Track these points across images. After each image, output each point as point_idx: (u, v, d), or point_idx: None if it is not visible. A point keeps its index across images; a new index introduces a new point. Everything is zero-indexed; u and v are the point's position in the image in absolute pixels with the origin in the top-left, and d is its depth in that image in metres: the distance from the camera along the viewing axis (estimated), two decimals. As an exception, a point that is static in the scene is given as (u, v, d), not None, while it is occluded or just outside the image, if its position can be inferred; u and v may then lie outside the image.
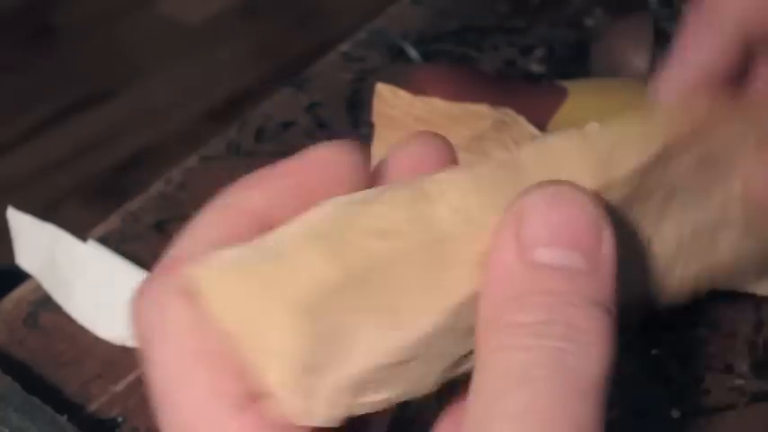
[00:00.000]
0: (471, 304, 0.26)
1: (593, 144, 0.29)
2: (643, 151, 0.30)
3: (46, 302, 0.52)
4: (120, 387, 0.49)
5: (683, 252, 0.33)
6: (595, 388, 0.24)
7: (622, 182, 0.29)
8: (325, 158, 0.28)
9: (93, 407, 0.48)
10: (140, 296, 0.27)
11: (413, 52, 0.66)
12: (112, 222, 0.56)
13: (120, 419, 0.47)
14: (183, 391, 0.26)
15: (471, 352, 0.27)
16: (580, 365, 0.24)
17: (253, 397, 0.26)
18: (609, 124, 0.30)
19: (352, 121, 0.61)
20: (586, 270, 0.24)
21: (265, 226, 0.27)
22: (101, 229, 0.56)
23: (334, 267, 0.25)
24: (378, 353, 0.25)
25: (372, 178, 0.29)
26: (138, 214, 0.57)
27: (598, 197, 0.25)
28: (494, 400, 0.24)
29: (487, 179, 0.27)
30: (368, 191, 0.27)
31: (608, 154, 0.29)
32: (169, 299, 0.26)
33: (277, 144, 0.60)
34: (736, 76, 0.40)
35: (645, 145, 0.31)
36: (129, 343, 0.50)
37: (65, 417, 0.45)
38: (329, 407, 0.25)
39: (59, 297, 0.52)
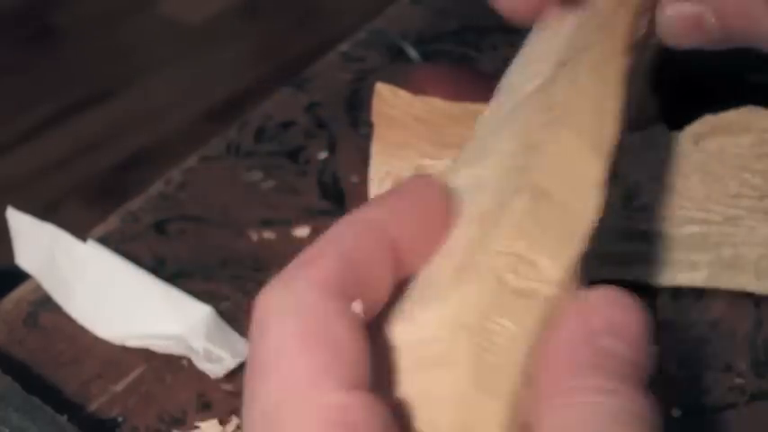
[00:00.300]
0: None
1: (586, 132, 0.34)
2: (617, 98, 0.36)
3: (46, 302, 0.52)
4: (120, 387, 0.49)
5: None
6: None
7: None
8: (429, 195, 0.32)
9: (93, 407, 0.48)
10: (269, 287, 0.28)
11: (413, 52, 0.66)
12: (112, 222, 0.56)
13: (120, 419, 0.47)
14: (292, 361, 0.27)
15: None
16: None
17: (359, 385, 0.27)
18: (573, 86, 0.35)
19: (352, 121, 0.62)
20: (642, 365, 0.29)
21: (388, 240, 0.30)
22: (101, 229, 0.56)
23: (503, 407, 0.28)
24: None
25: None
26: (138, 214, 0.57)
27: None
28: None
29: (531, 220, 0.31)
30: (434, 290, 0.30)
31: (599, 134, 0.34)
32: (300, 286, 0.28)
33: (277, 144, 0.60)
34: None
35: (615, 90, 0.36)
36: (129, 343, 0.50)
37: (65, 417, 0.45)
38: None
39: (59, 297, 0.52)
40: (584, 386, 0.28)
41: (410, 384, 0.28)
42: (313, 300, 0.28)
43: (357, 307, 0.28)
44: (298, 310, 0.27)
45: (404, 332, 0.29)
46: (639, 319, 0.30)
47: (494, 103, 0.38)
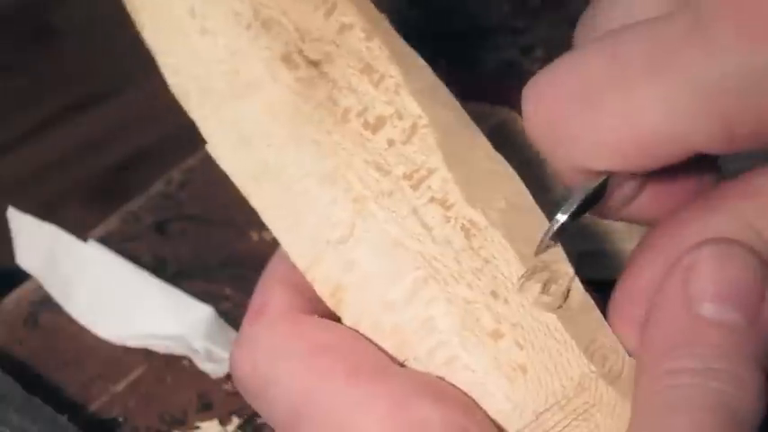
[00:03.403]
0: None
1: None
2: None
3: (46, 302, 0.52)
4: (120, 387, 0.49)
5: None
6: None
7: None
8: None
9: (93, 407, 0.48)
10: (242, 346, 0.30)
11: (413, 52, 0.66)
12: (112, 222, 0.56)
13: (120, 419, 0.47)
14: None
15: None
16: (741, 408, 0.25)
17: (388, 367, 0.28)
18: None
19: (353, 120, 0.61)
20: (746, 326, 0.26)
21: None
22: (101, 229, 0.56)
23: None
24: None
25: None
26: (138, 214, 0.57)
27: (762, 257, 0.27)
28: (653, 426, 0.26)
29: None
30: None
31: None
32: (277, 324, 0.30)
33: (277, 144, 0.60)
34: None
35: None
36: (130, 343, 0.50)
37: (65, 417, 0.45)
38: None
39: (59, 297, 0.52)
40: (682, 368, 0.26)
41: None
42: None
43: None
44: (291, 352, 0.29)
45: None
46: (753, 271, 0.27)
47: None
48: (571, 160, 0.28)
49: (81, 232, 0.54)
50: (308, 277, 0.30)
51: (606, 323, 0.29)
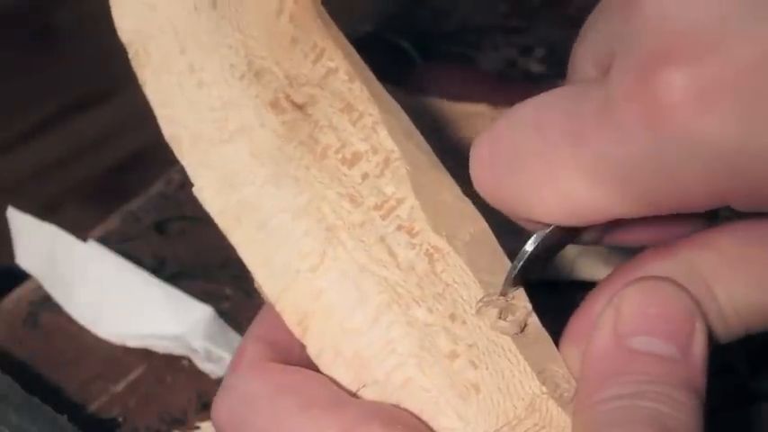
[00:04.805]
0: None
1: None
2: None
3: (46, 302, 0.52)
4: (120, 387, 0.49)
5: None
6: None
7: None
8: None
9: (93, 407, 0.48)
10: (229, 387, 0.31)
11: (413, 52, 0.66)
12: (112, 222, 0.56)
13: (120, 419, 0.47)
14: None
15: None
16: (678, 429, 0.26)
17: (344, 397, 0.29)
18: None
19: (352, 121, 0.61)
20: (679, 358, 0.28)
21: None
22: (101, 229, 0.56)
23: None
24: None
25: None
26: (138, 214, 0.57)
27: (690, 292, 0.28)
28: None
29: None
30: None
31: None
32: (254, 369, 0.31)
33: (277, 144, 0.60)
34: None
35: None
36: (130, 343, 0.50)
37: (65, 416, 0.45)
38: None
39: (59, 297, 0.52)
40: (614, 395, 0.27)
41: None
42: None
43: None
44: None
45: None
46: (681, 304, 0.28)
47: None
48: (512, 215, 0.29)
49: (81, 232, 0.54)
50: (278, 308, 0.31)
51: (560, 356, 0.30)
